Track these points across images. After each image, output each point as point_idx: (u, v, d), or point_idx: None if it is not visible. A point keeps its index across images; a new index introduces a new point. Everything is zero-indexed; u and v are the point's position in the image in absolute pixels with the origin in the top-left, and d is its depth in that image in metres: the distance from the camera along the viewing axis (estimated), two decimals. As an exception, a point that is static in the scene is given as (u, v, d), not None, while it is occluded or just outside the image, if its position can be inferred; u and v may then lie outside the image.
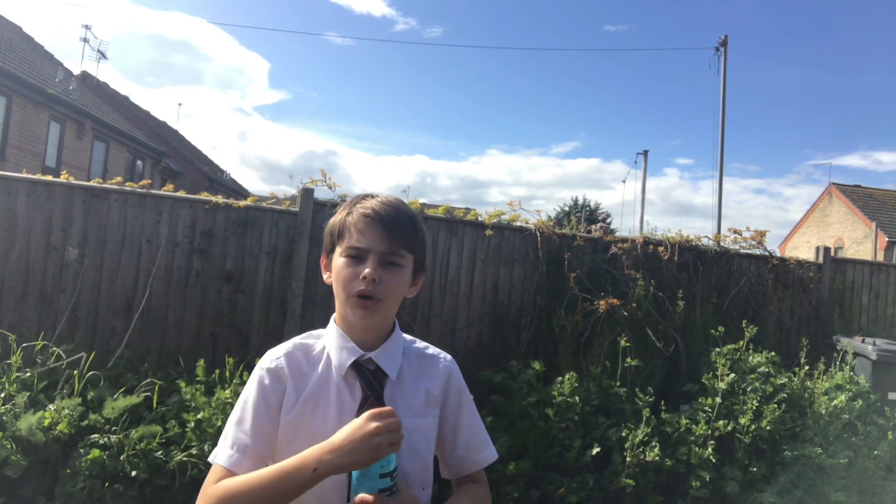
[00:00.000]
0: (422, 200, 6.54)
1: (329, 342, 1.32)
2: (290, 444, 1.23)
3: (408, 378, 1.33)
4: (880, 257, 21.70)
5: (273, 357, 1.30)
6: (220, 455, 1.23)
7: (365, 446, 1.09)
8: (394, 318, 1.35)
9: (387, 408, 1.15)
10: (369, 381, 1.27)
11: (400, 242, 1.27)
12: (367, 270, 1.23)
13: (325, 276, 1.34)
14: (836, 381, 4.96)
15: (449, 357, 1.42)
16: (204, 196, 4.94)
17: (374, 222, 1.25)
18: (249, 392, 1.28)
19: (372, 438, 1.09)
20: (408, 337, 1.40)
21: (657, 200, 76.42)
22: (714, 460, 4.32)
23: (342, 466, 1.11)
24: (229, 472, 1.21)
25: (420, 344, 1.42)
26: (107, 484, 3.49)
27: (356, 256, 1.26)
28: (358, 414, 1.20)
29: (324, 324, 1.39)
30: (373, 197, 1.32)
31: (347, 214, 1.29)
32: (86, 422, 3.70)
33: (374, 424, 1.10)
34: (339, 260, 1.28)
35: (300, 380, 1.28)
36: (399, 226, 1.27)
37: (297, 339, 1.35)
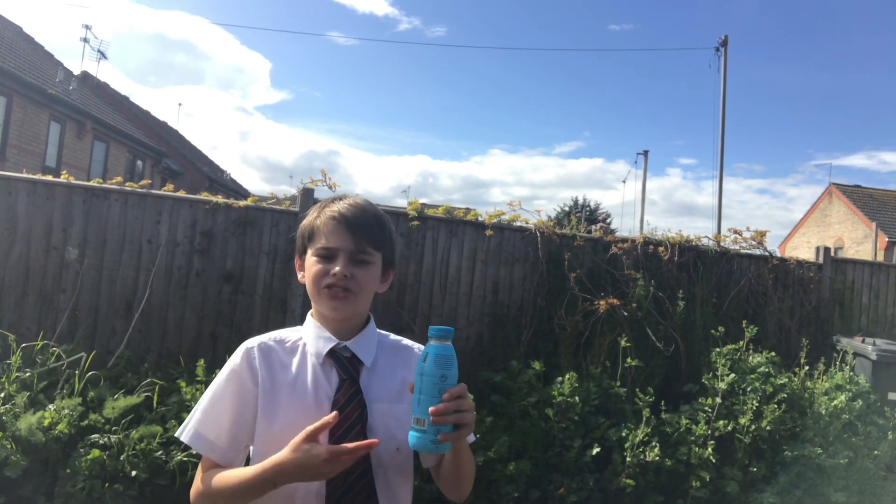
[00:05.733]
0: (423, 200, 6.52)
1: (306, 334, 1.40)
2: (269, 426, 1.30)
3: (383, 366, 1.39)
4: (880, 257, 21.70)
5: (248, 346, 1.37)
6: (183, 432, 1.33)
7: (315, 472, 1.18)
8: (367, 313, 1.44)
9: (324, 423, 1.19)
10: (345, 367, 1.34)
11: (366, 241, 1.35)
12: (337, 268, 1.32)
13: (299, 276, 1.43)
14: (836, 381, 4.96)
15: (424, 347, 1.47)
16: (204, 196, 4.94)
17: (340, 224, 1.34)
18: (221, 377, 1.36)
19: (321, 468, 1.17)
20: (382, 332, 1.48)
21: (660, 200, 76.35)
22: (714, 460, 4.32)
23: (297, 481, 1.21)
24: (212, 462, 1.32)
25: (394, 337, 1.49)
26: (107, 484, 3.50)
27: (326, 256, 1.34)
28: (336, 395, 1.31)
29: None
30: (341, 199, 1.40)
31: (316, 217, 1.38)
32: (86, 422, 3.70)
33: (321, 455, 1.16)
34: (310, 259, 1.37)
35: (275, 366, 1.35)
36: (364, 226, 1.35)
37: (272, 333, 1.43)
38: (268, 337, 1.40)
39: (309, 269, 1.36)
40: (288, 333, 1.42)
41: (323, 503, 1.26)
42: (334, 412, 1.22)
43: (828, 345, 5.74)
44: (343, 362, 1.35)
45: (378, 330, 1.46)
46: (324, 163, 65.15)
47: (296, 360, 1.36)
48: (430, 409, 1.15)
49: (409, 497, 1.40)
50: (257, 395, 1.32)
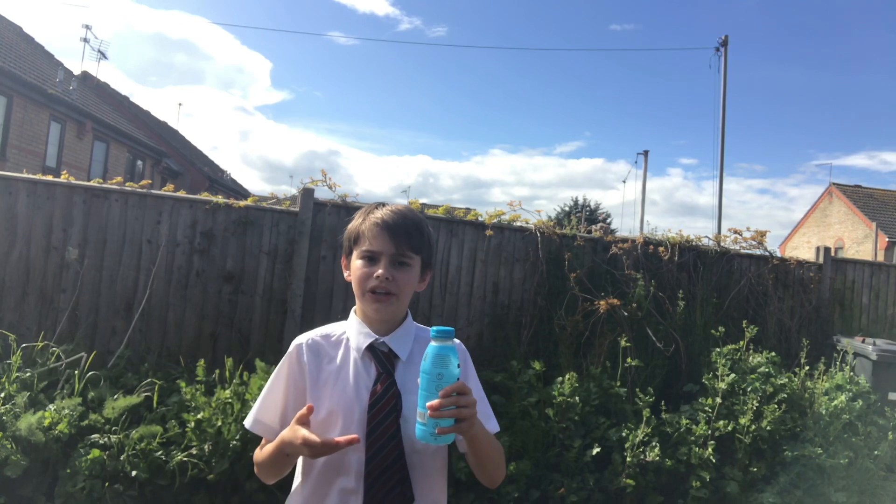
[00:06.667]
0: (423, 200, 6.54)
1: (349, 329, 1.55)
2: (316, 414, 1.45)
3: (418, 359, 1.48)
4: (881, 257, 21.69)
5: (298, 342, 1.56)
6: (247, 419, 1.56)
7: (299, 449, 1.39)
8: (406, 310, 1.56)
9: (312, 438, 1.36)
10: (382, 361, 1.49)
11: (406, 245, 1.49)
12: (379, 271, 1.46)
13: (345, 275, 1.59)
14: (836, 381, 4.96)
15: (457, 341, 1.60)
16: (204, 196, 4.94)
17: (383, 229, 1.48)
18: (276, 371, 1.57)
19: (301, 448, 1.38)
20: (420, 326, 1.61)
21: (661, 200, 76.35)
22: (714, 460, 4.32)
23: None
24: (268, 442, 1.53)
25: None
26: (107, 484, 3.49)
27: (370, 258, 1.49)
28: (373, 387, 1.46)
29: (324, 322, 1.63)
30: (384, 206, 1.54)
31: (361, 223, 1.52)
32: (86, 422, 3.70)
33: (298, 439, 1.37)
34: (356, 262, 1.51)
35: (321, 360, 1.52)
36: (405, 231, 1.49)
37: (320, 328, 1.59)
38: (315, 333, 1.57)
39: (354, 270, 1.51)
40: (333, 328, 1.58)
41: (362, 480, 1.42)
42: (308, 405, 1.40)
43: (828, 345, 5.74)
44: (380, 356, 1.49)
45: (417, 325, 1.60)
46: (324, 163, 65.17)
47: (340, 353, 1.53)
48: (427, 404, 1.26)
49: (443, 479, 1.55)
50: (305, 387, 1.50)
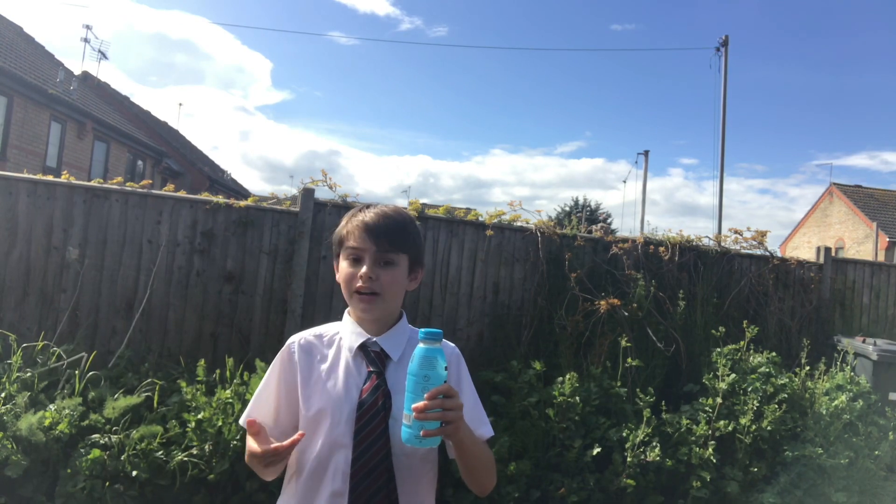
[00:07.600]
0: (423, 200, 6.54)
1: (343, 329, 1.57)
2: (307, 412, 1.48)
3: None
4: (881, 257, 21.68)
5: (290, 342, 1.58)
6: (241, 417, 1.57)
7: (249, 458, 1.43)
8: (399, 310, 1.57)
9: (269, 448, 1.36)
10: (373, 360, 1.49)
11: (388, 244, 1.48)
12: (363, 269, 1.47)
13: (337, 277, 1.58)
14: (836, 381, 4.96)
15: (452, 345, 1.60)
16: (204, 196, 4.94)
17: (364, 230, 1.49)
18: (269, 369, 1.58)
19: (251, 460, 1.41)
20: (415, 328, 1.56)
21: (661, 200, 76.31)
22: (715, 460, 4.32)
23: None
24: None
25: None
26: (107, 484, 3.50)
27: (355, 258, 1.50)
28: (363, 385, 1.46)
29: (324, 322, 1.63)
30: (369, 207, 1.55)
31: (346, 224, 1.54)
32: (86, 422, 3.70)
33: (252, 457, 1.39)
34: (342, 263, 1.53)
35: (314, 358, 1.53)
36: (388, 230, 1.49)
37: (314, 328, 1.61)
38: (309, 332, 1.59)
39: (341, 272, 1.52)
40: (327, 328, 1.60)
41: (348, 479, 1.41)
42: (249, 419, 1.41)
43: (828, 345, 5.73)
44: (372, 356, 1.50)
45: (412, 328, 1.57)
46: (324, 163, 65.11)
47: (332, 353, 1.54)
48: (412, 406, 1.25)
49: (431, 482, 1.53)
50: (297, 386, 1.51)
